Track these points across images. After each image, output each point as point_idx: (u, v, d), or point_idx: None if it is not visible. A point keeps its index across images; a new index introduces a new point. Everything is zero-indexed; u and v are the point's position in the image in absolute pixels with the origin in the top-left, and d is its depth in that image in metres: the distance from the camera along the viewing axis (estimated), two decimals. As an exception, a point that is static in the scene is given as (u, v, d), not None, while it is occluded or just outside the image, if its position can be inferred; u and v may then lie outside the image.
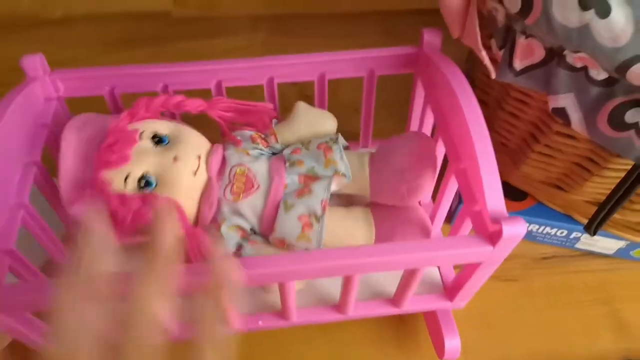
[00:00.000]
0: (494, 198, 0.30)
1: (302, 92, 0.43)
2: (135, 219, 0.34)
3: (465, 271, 0.35)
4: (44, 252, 0.38)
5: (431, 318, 0.43)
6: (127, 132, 0.36)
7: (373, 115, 0.45)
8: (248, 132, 0.40)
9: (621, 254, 0.49)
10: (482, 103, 0.46)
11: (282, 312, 0.38)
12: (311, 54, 0.40)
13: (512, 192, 0.49)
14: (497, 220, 0.29)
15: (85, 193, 0.35)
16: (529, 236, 0.50)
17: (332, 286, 0.39)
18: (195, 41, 0.67)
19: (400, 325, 0.46)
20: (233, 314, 0.27)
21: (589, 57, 0.29)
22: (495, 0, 0.32)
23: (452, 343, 0.41)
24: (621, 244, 0.48)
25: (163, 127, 0.38)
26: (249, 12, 0.71)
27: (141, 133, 0.36)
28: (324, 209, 0.36)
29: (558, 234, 0.49)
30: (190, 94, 0.40)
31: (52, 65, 0.39)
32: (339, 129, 0.42)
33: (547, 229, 0.49)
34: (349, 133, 0.43)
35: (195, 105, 0.38)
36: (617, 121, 0.31)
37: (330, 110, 0.43)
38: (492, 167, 0.31)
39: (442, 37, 0.39)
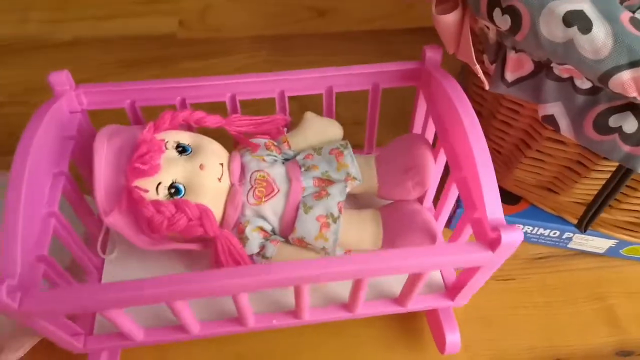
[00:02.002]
0: (493, 207, 0.33)
1: (305, 106, 0.46)
2: (170, 225, 0.37)
3: (466, 273, 0.38)
4: (69, 254, 0.40)
5: (433, 315, 0.46)
6: (155, 142, 0.38)
7: (377, 127, 0.48)
8: (262, 140, 0.43)
9: (612, 253, 0.52)
10: (477, 113, 0.50)
11: (295, 312, 0.40)
12: (320, 69, 0.43)
13: (506, 196, 0.52)
14: (496, 228, 0.32)
15: (120, 202, 0.37)
16: (524, 237, 0.53)
17: (340, 287, 0.41)
18: (200, 61, 0.70)
19: (406, 325, 0.48)
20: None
21: (574, 68, 0.32)
22: (486, 19, 0.35)
23: (453, 338, 0.44)
24: (611, 242, 0.51)
25: (185, 137, 0.40)
26: (250, 33, 0.74)
27: (166, 143, 0.39)
28: (340, 210, 0.39)
29: (551, 234, 0.52)
30: (206, 106, 0.43)
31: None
32: (343, 141, 0.45)
33: (541, 230, 0.52)
34: (352, 144, 0.46)
35: (214, 121, 0.41)
36: (601, 126, 0.34)
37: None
38: (491, 177, 0.34)
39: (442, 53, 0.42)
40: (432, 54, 0.41)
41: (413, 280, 0.37)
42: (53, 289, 0.34)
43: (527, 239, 0.53)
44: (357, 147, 0.49)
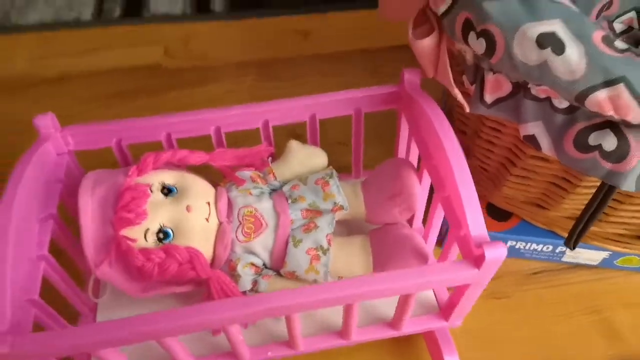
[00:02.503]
0: (475, 224, 0.33)
1: (293, 131, 0.46)
2: (161, 271, 0.37)
3: (456, 292, 0.38)
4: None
5: (430, 338, 0.46)
6: (139, 188, 0.38)
7: (362, 149, 0.48)
8: (248, 172, 0.43)
9: (606, 264, 0.52)
10: (461, 132, 0.50)
11: (289, 342, 0.40)
12: (302, 97, 0.43)
13: (497, 213, 0.52)
14: (480, 245, 0.32)
15: (109, 252, 0.37)
16: (518, 253, 0.53)
17: (334, 314, 0.41)
18: (186, 89, 0.70)
19: (404, 349, 0.48)
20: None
21: (550, 89, 0.32)
22: (462, 42, 0.35)
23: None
24: (604, 254, 0.51)
25: (170, 177, 0.40)
26: (236, 59, 0.75)
27: (151, 186, 0.39)
28: (329, 242, 0.39)
29: (544, 249, 0.52)
30: (191, 140, 0.43)
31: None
32: (330, 163, 0.45)
33: (534, 246, 0.51)
34: (340, 166, 0.46)
35: (198, 159, 0.41)
36: (582, 144, 0.34)
37: (320, 145, 0.46)
38: (472, 196, 0.34)
39: (421, 74, 0.42)
40: (410, 77, 0.42)
41: (403, 302, 0.37)
42: (44, 332, 0.34)
43: (521, 254, 0.53)
44: (345, 170, 0.49)
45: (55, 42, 0.76)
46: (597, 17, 0.55)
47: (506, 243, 0.51)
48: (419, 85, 0.42)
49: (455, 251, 0.38)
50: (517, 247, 0.52)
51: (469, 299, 0.37)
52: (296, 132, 0.46)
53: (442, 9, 0.36)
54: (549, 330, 0.49)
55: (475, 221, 0.33)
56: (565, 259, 0.53)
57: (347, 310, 0.36)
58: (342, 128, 0.48)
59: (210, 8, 0.82)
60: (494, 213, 0.52)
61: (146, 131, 0.43)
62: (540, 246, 0.51)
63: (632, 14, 0.57)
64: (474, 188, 0.34)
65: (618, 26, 0.58)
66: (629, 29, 0.58)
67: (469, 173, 0.34)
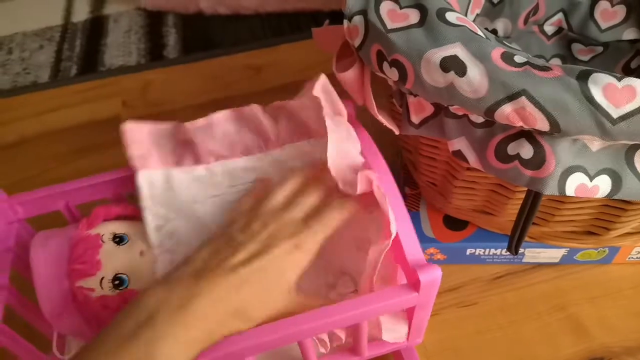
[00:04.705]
0: (410, 249, 0.34)
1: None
2: None
3: (407, 313, 0.38)
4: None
5: (397, 355, 0.46)
6: (90, 239, 0.39)
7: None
8: None
9: (567, 260, 0.53)
10: (407, 150, 0.51)
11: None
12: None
13: (453, 223, 0.53)
14: (415, 270, 0.33)
15: (66, 305, 0.38)
16: (479, 260, 0.54)
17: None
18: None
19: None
20: None
21: (462, 107, 0.34)
22: (379, 72, 0.37)
23: None
24: (563, 251, 0.52)
25: (119, 227, 0.41)
26: (192, 102, 0.76)
27: (102, 236, 0.40)
28: None
29: (504, 252, 0.53)
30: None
31: (7, 188, 0.43)
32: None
33: (492, 250, 0.52)
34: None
35: None
36: (502, 155, 0.35)
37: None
38: (405, 221, 0.35)
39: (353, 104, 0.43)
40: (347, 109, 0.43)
41: (356, 329, 0.38)
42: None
43: (482, 260, 0.54)
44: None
45: (13, 107, 0.77)
46: (525, 23, 0.57)
47: (466, 250, 0.52)
48: (354, 117, 0.43)
49: (402, 273, 0.38)
50: (477, 253, 0.53)
51: (419, 318, 0.37)
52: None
53: (357, 42, 0.37)
54: (516, 333, 0.49)
55: (410, 245, 0.34)
56: (526, 260, 0.53)
57: (301, 346, 0.37)
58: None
59: (164, 54, 0.83)
60: (451, 223, 0.53)
61: (93, 189, 0.44)
62: (499, 250, 0.52)
63: (560, 15, 0.59)
64: (406, 213, 0.35)
65: (549, 28, 0.60)
66: (559, 30, 0.60)
67: (400, 199, 0.35)
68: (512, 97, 0.31)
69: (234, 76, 0.79)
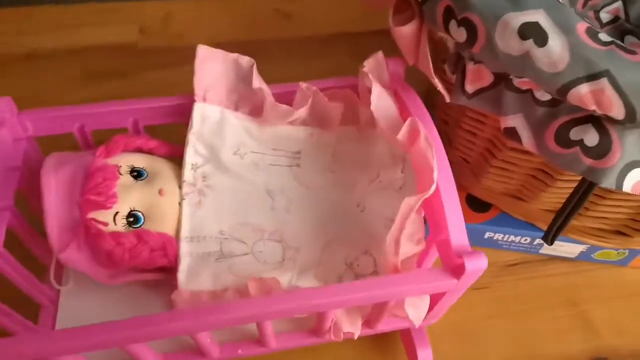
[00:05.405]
0: (457, 233, 0.32)
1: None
2: (132, 257, 0.35)
3: (432, 298, 0.37)
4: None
5: (405, 332, 0.45)
6: (108, 169, 0.36)
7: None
8: None
9: (583, 257, 0.52)
10: (444, 122, 0.49)
11: (260, 340, 0.39)
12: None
13: (476, 204, 0.51)
14: (460, 255, 0.31)
15: (75, 236, 0.35)
16: (495, 245, 0.52)
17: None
18: (163, 71, 0.67)
19: (381, 344, 0.47)
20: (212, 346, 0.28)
21: (532, 81, 0.31)
22: (442, 31, 0.34)
23: (424, 354, 0.43)
24: (582, 247, 0.50)
25: (139, 160, 0.38)
26: (215, 40, 0.71)
27: (119, 168, 0.37)
28: None
29: (522, 241, 0.51)
30: (162, 127, 0.41)
31: (18, 102, 0.40)
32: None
33: (512, 237, 0.51)
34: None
35: (172, 151, 0.39)
36: (563, 139, 0.33)
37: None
38: (454, 201, 0.32)
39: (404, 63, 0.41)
40: (394, 68, 0.40)
41: (380, 307, 0.36)
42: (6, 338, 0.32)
43: (498, 245, 0.52)
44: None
45: (24, 18, 0.72)
46: (583, 6, 0.54)
47: (484, 233, 0.51)
48: (403, 78, 0.40)
49: (433, 256, 0.37)
50: (495, 238, 0.51)
51: (445, 303, 0.36)
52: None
53: (422, -6, 0.34)
54: (525, 322, 0.49)
55: (456, 230, 0.32)
56: (543, 251, 0.52)
57: (321, 317, 0.35)
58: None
59: (189, -15, 0.78)
60: (474, 204, 0.51)
61: (112, 117, 0.40)
62: (518, 238, 0.51)
63: (619, 4, 0.56)
64: (456, 192, 0.32)
65: (605, 16, 0.57)
66: (615, 19, 0.57)
67: (452, 176, 0.33)
68: (592, 77, 0.28)
69: (261, 19, 0.74)
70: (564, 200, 0.39)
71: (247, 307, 0.31)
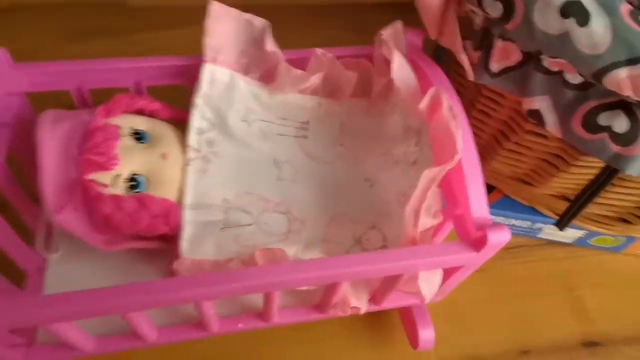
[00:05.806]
0: (478, 205, 0.31)
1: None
2: (132, 223, 0.33)
3: (446, 272, 0.36)
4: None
5: (405, 311, 0.44)
6: (110, 128, 0.34)
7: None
8: None
9: (580, 243, 0.52)
10: (455, 101, 0.48)
11: (262, 314, 0.37)
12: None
13: (480, 186, 0.51)
14: (481, 227, 0.30)
15: (71, 198, 0.33)
16: (495, 228, 0.52)
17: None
18: (155, 32, 0.64)
19: (375, 321, 0.46)
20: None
21: (567, 63, 0.30)
22: (475, 5, 0.32)
23: (426, 334, 0.42)
24: (580, 233, 0.50)
25: (140, 122, 0.36)
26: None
27: (120, 129, 0.35)
28: None
29: (522, 224, 0.51)
30: (165, 88, 0.39)
31: None
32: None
33: (513, 221, 0.51)
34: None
35: (175, 114, 0.37)
36: (591, 124, 0.32)
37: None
38: (476, 172, 0.32)
39: (423, 35, 0.39)
40: (412, 39, 0.38)
41: (392, 281, 0.35)
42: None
43: (499, 229, 0.52)
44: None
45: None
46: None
47: (486, 217, 0.50)
48: (422, 49, 0.39)
49: (446, 231, 0.36)
50: (496, 221, 0.51)
51: (456, 279, 0.35)
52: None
53: (455, -36, 0.32)
54: (520, 305, 0.49)
55: (478, 201, 0.31)
56: (541, 235, 0.52)
57: (331, 288, 0.34)
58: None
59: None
60: (477, 186, 0.51)
61: (113, 75, 0.38)
62: (519, 222, 0.51)
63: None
64: (479, 165, 0.31)
65: None
66: None
67: (475, 148, 0.32)
68: (633, 61, 0.28)
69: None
70: (572, 187, 0.38)
71: (263, 274, 0.29)
